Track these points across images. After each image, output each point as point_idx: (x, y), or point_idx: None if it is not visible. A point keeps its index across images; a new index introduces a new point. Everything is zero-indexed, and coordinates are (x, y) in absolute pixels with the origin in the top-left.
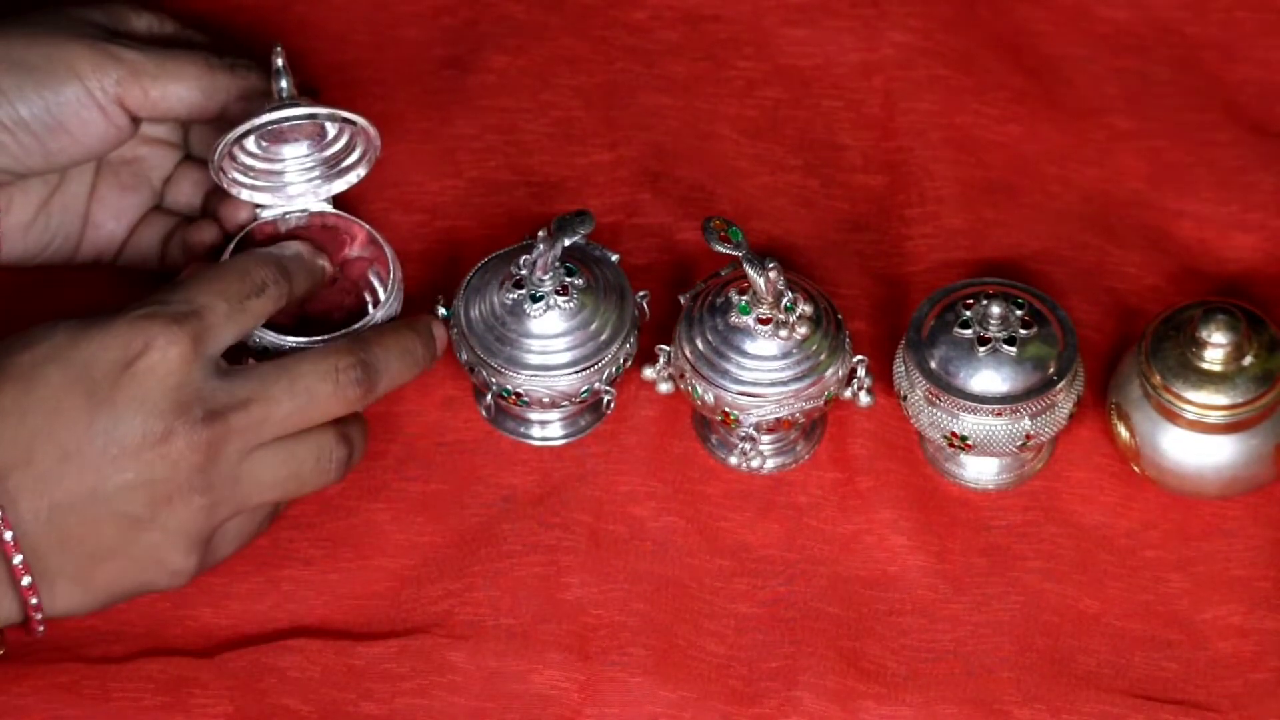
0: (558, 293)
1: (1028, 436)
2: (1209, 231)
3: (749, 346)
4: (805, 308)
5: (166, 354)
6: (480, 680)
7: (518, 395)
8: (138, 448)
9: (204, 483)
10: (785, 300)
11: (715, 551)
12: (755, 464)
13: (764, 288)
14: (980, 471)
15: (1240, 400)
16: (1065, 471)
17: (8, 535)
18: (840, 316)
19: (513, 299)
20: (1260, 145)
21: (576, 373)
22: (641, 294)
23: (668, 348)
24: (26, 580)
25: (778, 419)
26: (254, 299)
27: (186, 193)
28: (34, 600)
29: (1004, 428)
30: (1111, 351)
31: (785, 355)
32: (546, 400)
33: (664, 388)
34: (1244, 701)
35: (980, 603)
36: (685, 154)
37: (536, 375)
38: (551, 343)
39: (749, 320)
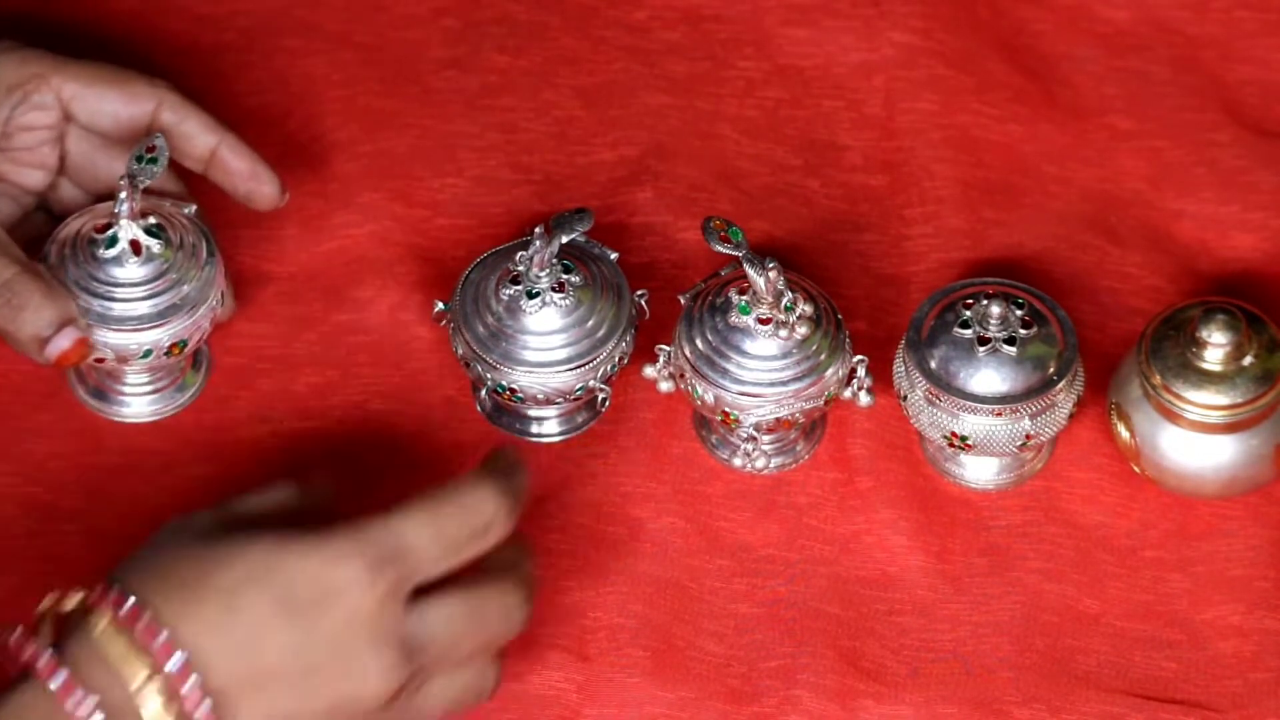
0: (554, 289)
1: (1028, 436)
2: (1209, 231)
3: (749, 346)
4: (805, 308)
5: (364, 600)
6: None
7: (512, 391)
8: (333, 682)
9: (386, 714)
10: (785, 300)
11: (715, 552)
12: (758, 465)
13: (764, 288)
14: (980, 471)
15: (1240, 400)
16: (1065, 471)
17: None
18: (840, 316)
19: (509, 295)
20: (1260, 145)
21: (571, 370)
22: (640, 293)
23: (668, 347)
24: None
25: (778, 419)
26: (471, 542)
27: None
28: None
29: (1004, 428)
30: (1111, 351)
31: (785, 355)
32: (541, 397)
33: (664, 387)
34: (1244, 701)
35: (980, 603)
36: (685, 154)
37: (531, 371)
38: (547, 339)
39: (749, 320)
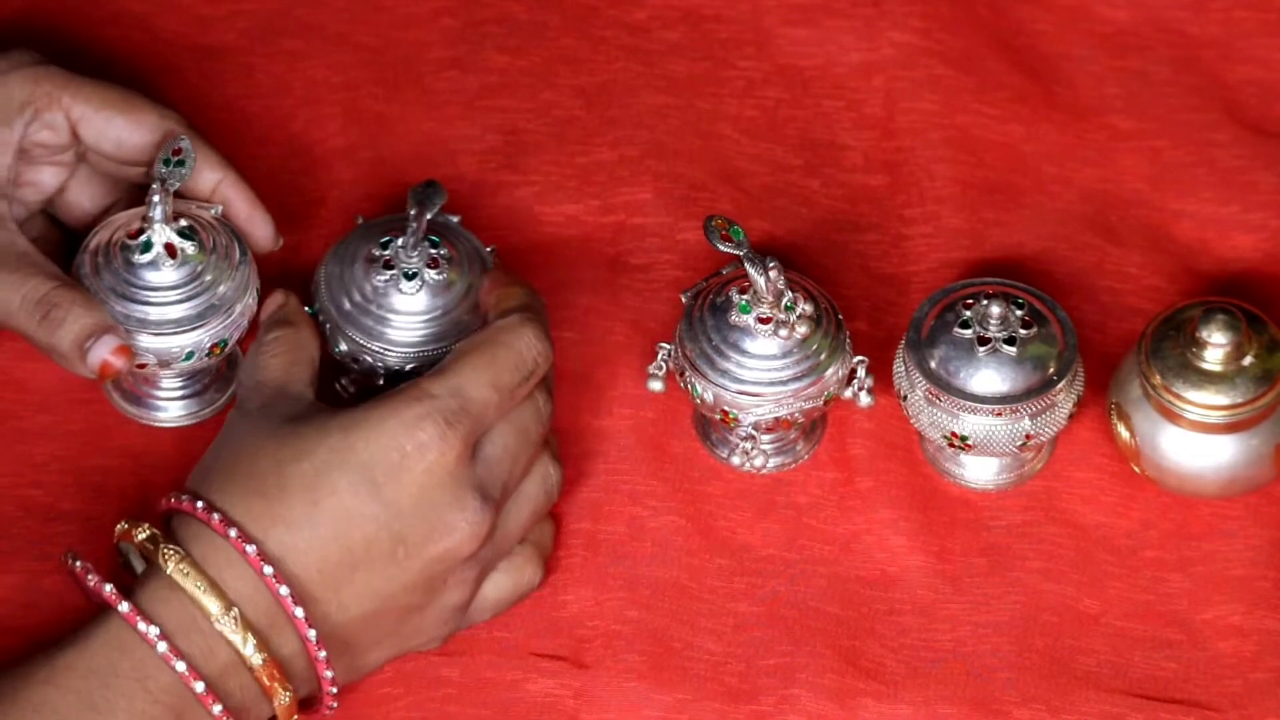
0: (429, 266)
1: (1028, 436)
2: (1209, 231)
3: (749, 346)
4: (805, 307)
5: (444, 458)
6: (476, 690)
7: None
8: (422, 546)
9: (475, 560)
10: (785, 300)
11: (715, 551)
12: (757, 464)
13: (764, 287)
14: (980, 471)
15: (1240, 400)
16: (1065, 471)
17: (311, 634)
18: (840, 316)
19: (384, 280)
20: (1260, 145)
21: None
22: (489, 248)
23: (668, 346)
24: (329, 674)
25: (776, 418)
26: (523, 385)
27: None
28: (332, 690)
29: (1004, 428)
30: (1111, 351)
31: (785, 355)
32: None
33: (654, 386)
34: (1244, 701)
35: (980, 603)
36: (686, 153)
37: (421, 350)
38: (424, 316)
39: (749, 319)
